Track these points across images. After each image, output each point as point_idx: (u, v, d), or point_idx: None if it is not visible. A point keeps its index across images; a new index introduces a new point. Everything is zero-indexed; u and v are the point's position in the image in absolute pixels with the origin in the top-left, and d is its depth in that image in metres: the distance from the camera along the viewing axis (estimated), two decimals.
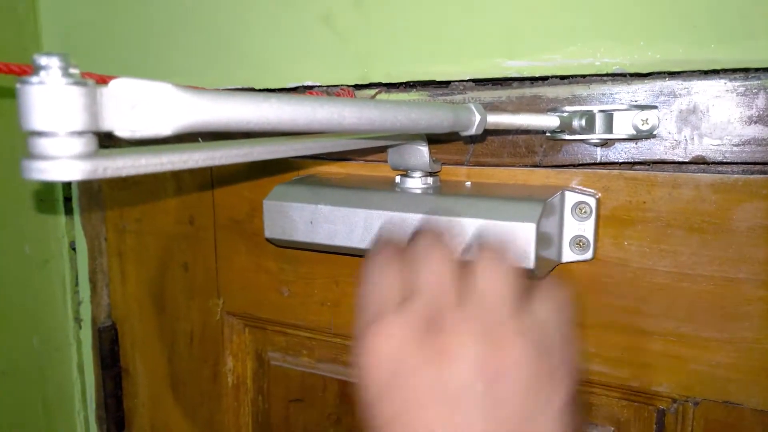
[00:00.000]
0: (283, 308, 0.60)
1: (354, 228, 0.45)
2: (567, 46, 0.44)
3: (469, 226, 0.41)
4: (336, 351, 0.59)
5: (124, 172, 0.23)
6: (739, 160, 0.40)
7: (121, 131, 0.23)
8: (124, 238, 0.70)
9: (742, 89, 0.39)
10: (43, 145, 0.20)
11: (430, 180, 0.47)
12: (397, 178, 0.48)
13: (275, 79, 0.57)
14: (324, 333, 0.59)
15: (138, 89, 0.23)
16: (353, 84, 0.53)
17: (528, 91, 0.46)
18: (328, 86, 0.54)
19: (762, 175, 0.40)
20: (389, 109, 0.29)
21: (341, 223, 0.45)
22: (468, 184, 0.48)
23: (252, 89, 0.58)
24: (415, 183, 0.47)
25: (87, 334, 0.74)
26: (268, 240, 0.50)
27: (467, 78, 0.48)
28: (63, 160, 0.20)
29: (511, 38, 0.46)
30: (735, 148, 0.40)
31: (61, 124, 0.20)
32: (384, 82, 0.52)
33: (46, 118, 0.20)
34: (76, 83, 0.20)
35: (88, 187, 0.71)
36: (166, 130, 0.23)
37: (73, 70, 0.21)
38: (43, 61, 0.20)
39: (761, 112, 0.39)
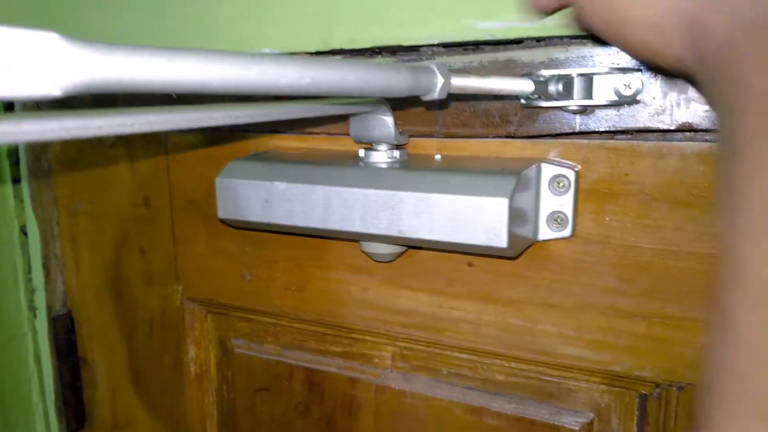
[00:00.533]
0: (246, 293, 0.57)
1: (313, 207, 0.41)
2: None
3: (438, 202, 0.37)
4: (302, 337, 0.56)
5: None
6: None
7: None
8: (77, 222, 0.66)
9: None
10: None
11: (396, 153, 0.43)
12: (361, 152, 0.44)
13: (231, 45, 0.52)
14: (289, 318, 0.56)
15: (14, 41, 0.18)
16: (314, 51, 0.49)
17: (501, 55, 0.42)
18: (286, 54, 0.50)
19: None
20: (336, 68, 0.25)
21: (299, 202, 0.42)
22: (438, 157, 0.45)
23: None
24: (381, 157, 0.43)
25: (42, 323, 0.70)
26: (222, 221, 0.46)
27: (436, 42, 0.44)
28: None
29: None
30: None
31: None
32: (347, 48, 0.47)
33: None
34: None
35: (38, 167, 0.66)
36: (54, 90, 0.19)
37: None
38: None
39: None
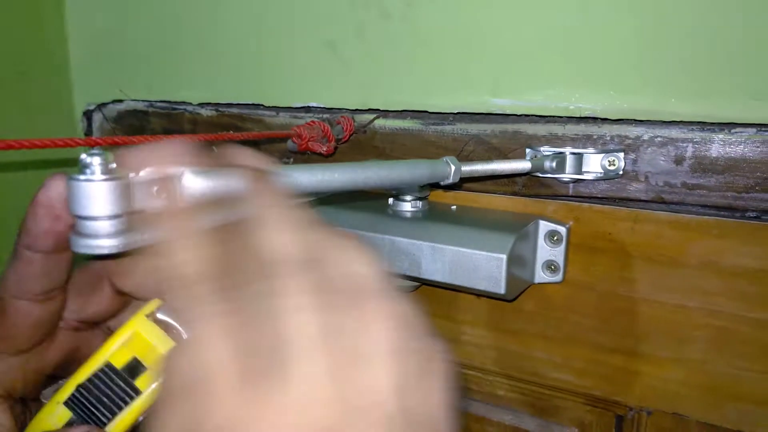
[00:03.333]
0: None
1: None
2: (546, 89, 0.48)
3: (450, 253, 0.46)
4: None
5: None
6: (692, 202, 0.44)
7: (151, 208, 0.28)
8: None
9: (698, 138, 0.43)
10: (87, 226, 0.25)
11: (419, 204, 0.52)
12: (390, 200, 0.53)
13: (283, 98, 0.62)
14: None
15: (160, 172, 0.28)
16: (354, 108, 0.58)
17: (510, 126, 0.50)
18: (330, 108, 0.59)
19: (711, 217, 0.44)
20: (383, 169, 0.34)
21: None
22: (454, 207, 0.53)
23: (261, 105, 0.63)
24: (406, 206, 0.52)
25: None
26: None
27: (456, 111, 0.53)
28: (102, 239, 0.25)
29: (498, 79, 0.50)
30: (689, 192, 0.44)
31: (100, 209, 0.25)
32: (381, 108, 0.56)
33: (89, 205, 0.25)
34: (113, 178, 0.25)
35: None
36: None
37: (112, 165, 0.25)
38: (87, 159, 0.25)
39: (711, 162, 0.43)
